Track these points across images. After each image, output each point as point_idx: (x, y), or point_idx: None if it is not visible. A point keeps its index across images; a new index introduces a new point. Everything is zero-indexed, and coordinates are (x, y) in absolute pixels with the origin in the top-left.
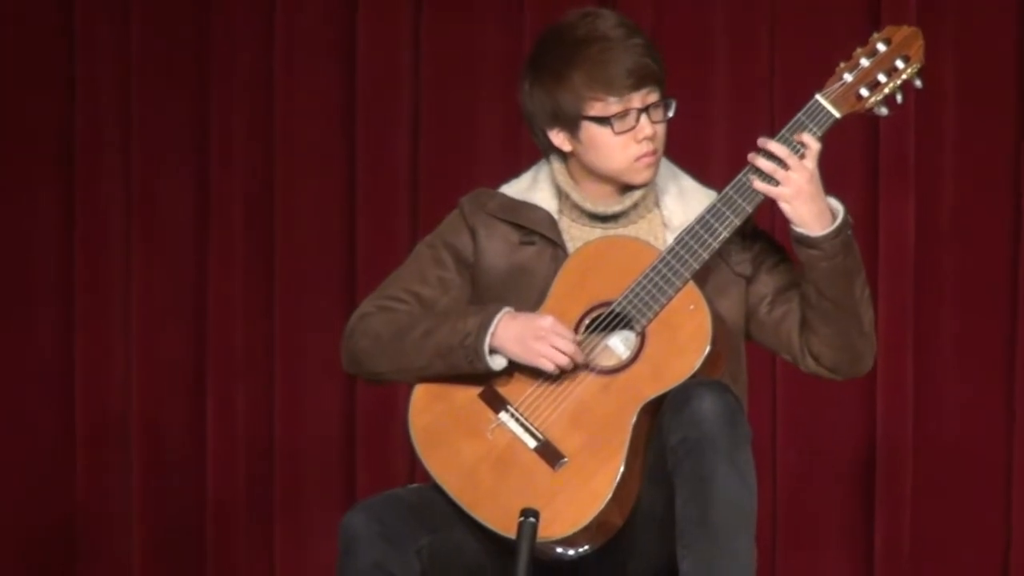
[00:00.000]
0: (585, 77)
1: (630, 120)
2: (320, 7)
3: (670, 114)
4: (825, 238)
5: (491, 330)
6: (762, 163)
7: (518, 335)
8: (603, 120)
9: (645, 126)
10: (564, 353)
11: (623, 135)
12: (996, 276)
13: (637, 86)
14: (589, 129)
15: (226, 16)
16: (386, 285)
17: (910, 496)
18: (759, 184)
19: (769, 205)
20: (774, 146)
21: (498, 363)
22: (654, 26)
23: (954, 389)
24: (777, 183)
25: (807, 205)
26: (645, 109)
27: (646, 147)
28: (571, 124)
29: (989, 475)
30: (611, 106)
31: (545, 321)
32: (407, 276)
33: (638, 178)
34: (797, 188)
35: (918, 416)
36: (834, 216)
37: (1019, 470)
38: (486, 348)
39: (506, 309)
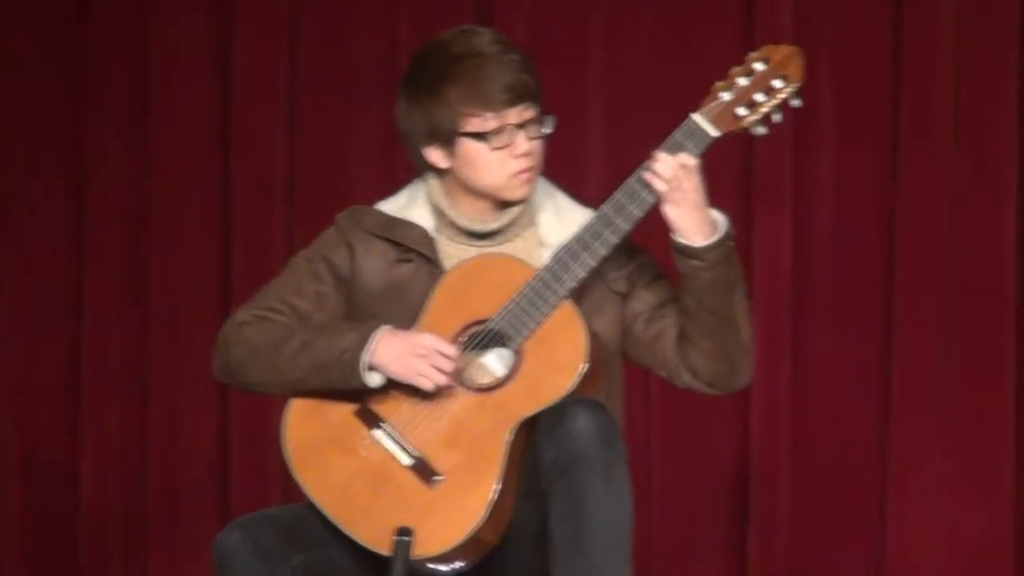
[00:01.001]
0: (461, 93)
1: (506, 136)
2: (196, 19)
3: (547, 130)
4: (708, 248)
5: (369, 347)
6: (658, 167)
7: (397, 353)
8: (479, 136)
9: (522, 142)
10: (444, 372)
11: (500, 151)
12: (870, 292)
13: (513, 102)
14: (465, 145)
15: (101, 28)
16: (262, 295)
17: (785, 511)
18: (653, 180)
19: (644, 225)
20: (663, 158)
21: (375, 380)
22: (531, 43)
23: (829, 404)
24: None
25: (692, 214)
26: (522, 125)
27: (523, 163)
28: (447, 141)
29: (863, 489)
30: (487, 122)
31: (426, 339)
32: (283, 287)
33: (515, 194)
34: (685, 196)
35: (793, 431)
36: (716, 228)
37: (893, 484)
38: (363, 365)
39: (385, 327)
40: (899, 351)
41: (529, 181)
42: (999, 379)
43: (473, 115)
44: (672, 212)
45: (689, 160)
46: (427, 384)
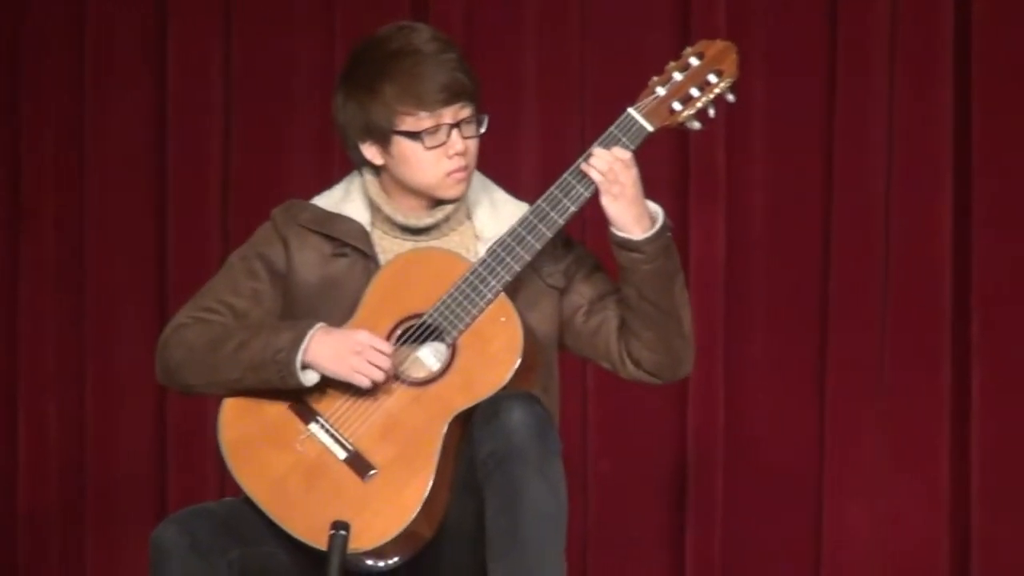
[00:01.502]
0: (397, 91)
1: (441, 135)
2: (130, 17)
3: (482, 130)
4: (647, 241)
5: (304, 346)
6: (594, 161)
7: (333, 351)
8: (414, 135)
9: (456, 142)
10: (380, 368)
11: (434, 150)
12: (805, 286)
13: (449, 101)
14: (400, 143)
15: (37, 27)
16: (200, 296)
17: (721, 504)
18: (589, 173)
19: (581, 219)
20: (598, 152)
21: (310, 379)
22: (466, 37)
23: (764, 398)
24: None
25: (630, 207)
26: (457, 124)
27: (457, 162)
28: (383, 138)
29: (800, 482)
30: (422, 121)
31: (361, 336)
32: (220, 287)
33: (449, 193)
34: (622, 189)
35: (729, 424)
36: (654, 220)
37: (830, 477)
38: (298, 364)
39: (319, 325)
40: (834, 344)
41: (463, 180)
42: (935, 373)
43: (408, 114)
44: (610, 206)
45: (624, 154)
46: (363, 381)
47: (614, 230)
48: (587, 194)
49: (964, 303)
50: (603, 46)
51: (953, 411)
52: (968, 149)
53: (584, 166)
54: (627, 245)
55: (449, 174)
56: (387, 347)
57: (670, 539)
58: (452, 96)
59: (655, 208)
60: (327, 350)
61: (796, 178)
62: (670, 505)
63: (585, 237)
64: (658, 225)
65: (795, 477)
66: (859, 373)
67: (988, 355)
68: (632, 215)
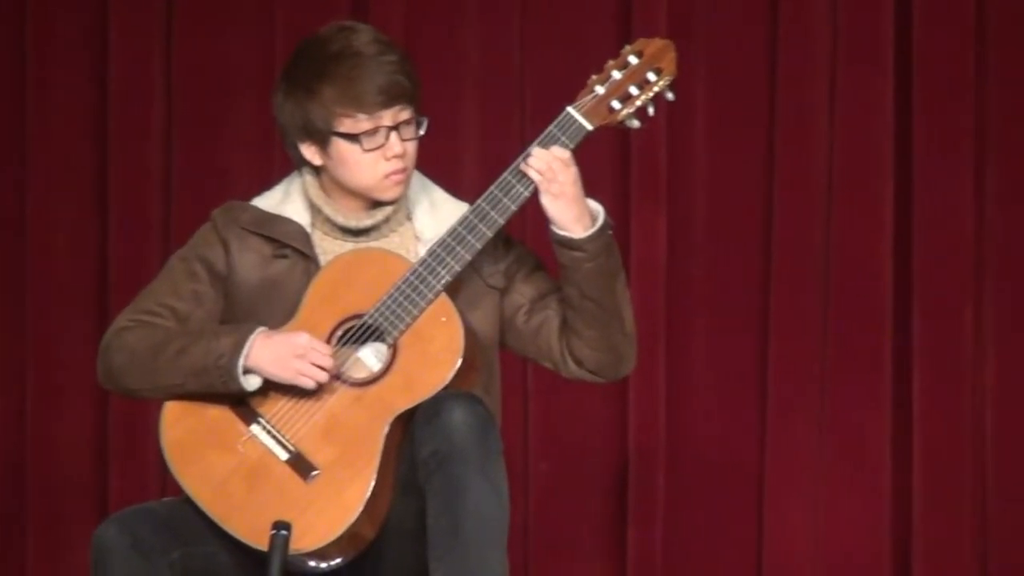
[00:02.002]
0: (336, 93)
1: (380, 138)
2: (71, 14)
3: (421, 132)
4: (588, 239)
5: (245, 351)
6: (533, 161)
7: (274, 355)
8: (352, 137)
9: (395, 144)
10: (322, 369)
11: (372, 152)
12: (747, 286)
13: (388, 104)
14: (339, 145)
15: None
16: (141, 298)
17: (662, 504)
18: (531, 172)
19: (522, 215)
20: (538, 152)
21: (253, 383)
22: (406, 39)
23: (706, 397)
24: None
25: (570, 206)
26: (395, 127)
27: (395, 165)
28: (321, 139)
29: (741, 483)
30: (361, 123)
31: (302, 339)
32: (161, 289)
33: (387, 195)
34: (562, 188)
35: (670, 423)
36: (594, 218)
37: (771, 478)
38: (240, 369)
39: (260, 329)
40: (776, 345)
41: (401, 183)
42: (876, 372)
43: (346, 115)
44: (550, 205)
45: (563, 152)
46: (307, 383)
47: (554, 229)
48: (527, 193)
49: (906, 303)
50: (544, 45)
51: (894, 410)
52: (909, 150)
53: (523, 165)
54: (568, 244)
55: (387, 176)
56: (328, 349)
57: (612, 538)
58: (391, 99)
59: (596, 206)
60: (268, 354)
61: (737, 178)
62: (611, 504)
63: (526, 236)
64: (599, 223)
65: (736, 476)
66: (800, 373)
67: (929, 355)
68: (572, 214)
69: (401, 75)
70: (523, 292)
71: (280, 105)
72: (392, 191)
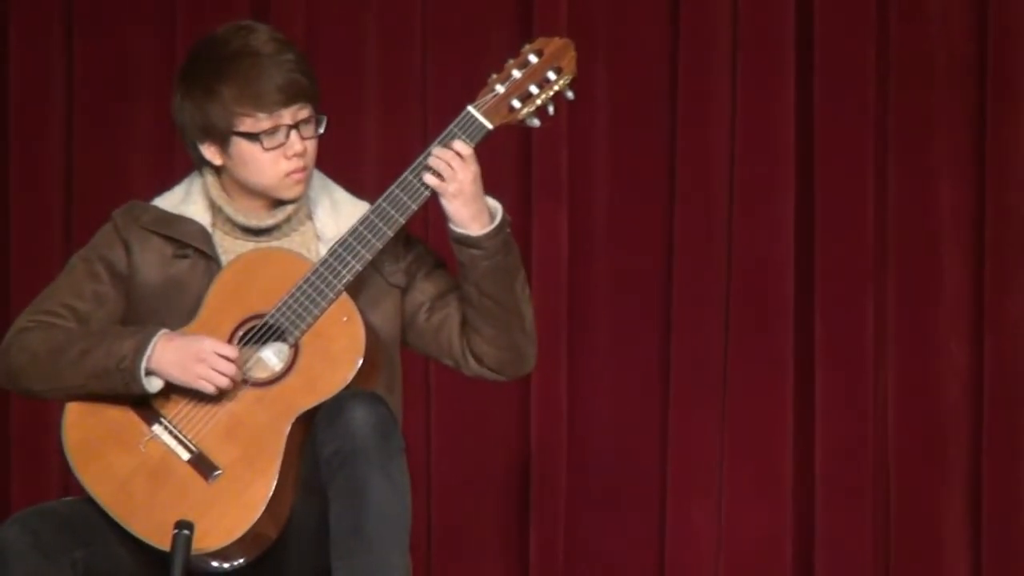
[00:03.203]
0: (235, 92)
1: (280, 136)
2: None
3: (321, 130)
4: (486, 237)
5: (147, 353)
6: (433, 160)
7: (177, 359)
8: (252, 136)
9: (295, 142)
10: (225, 375)
11: (273, 151)
12: (649, 284)
13: (287, 102)
14: (239, 144)
15: None
16: (42, 299)
17: (564, 503)
18: (429, 178)
19: (423, 212)
20: (438, 151)
21: (155, 385)
22: (307, 37)
23: (608, 396)
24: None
25: (469, 204)
26: (295, 125)
27: (296, 163)
28: (221, 139)
29: (643, 481)
30: (261, 122)
31: (205, 343)
32: (62, 290)
33: (288, 193)
34: (461, 187)
35: (572, 423)
36: (493, 216)
37: (673, 476)
38: (142, 372)
39: (162, 331)
40: (678, 343)
41: (302, 181)
42: (778, 371)
43: (246, 115)
44: (449, 203)
45: (465, 149)
46: (208, 388)
47: (453, 227)
48: (427, 192)
49: (807, 301)
50: (445, 43)
51: (796, 408)
52: (811, 149)
53: (424, 164)
54: (466, 242)
55: (288, 175)
56: (232, 353)
57: (514, 538)
58: (290, 97)
59: (494, 204)
60: (171, 357)
61: (639, 176)
62: (514, 504)
63: (427, 235)
64: (497, 221)
65: (639, 476)
66: (702, 371)
67: (831, 352)
68: (471, 212)
69: (299, 73)
70: (424, 290)
71: (179, 106)
72: (293, 189)
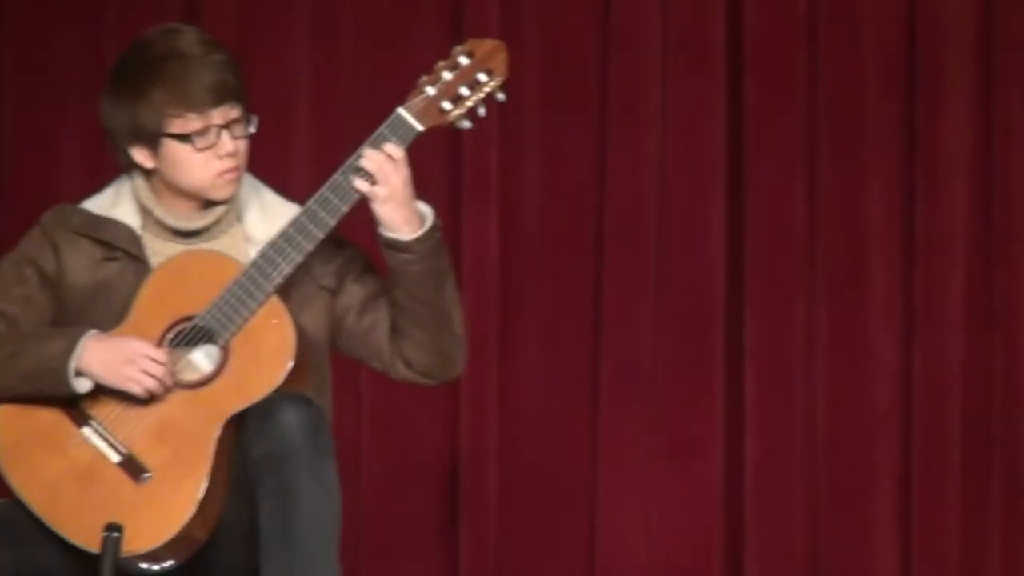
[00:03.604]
0: (165, 94)
1: (211, 137)
2: None
3: (252, 130)
4: (416, 241)
5: (76, 354)
6: (364, 163)
7: (106, 360)
8: (184, 137)
9: (226, 142)
10: (154, 376)
11: (204, 152)
12: (579, 286)
13: (217, 102)
14: (170, 146)
15: None
16: None
17: (495, 505)
18: (360, 184)
19: (353, 215)
20: (369, 153)
21: (84, 386)
22: (238, 39)
23: (538, 398)
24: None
25: (400, 209)
26: (226, 125)
27: (228, 163)
28: (152, 141)
29: (574, 483)
30: (191, 123)
31: (134, 344)
32: None
33: (220, 194)
34: (392, 190)
35: (502, 425)
36: (423, 220)
37: (604, 478)
38: (71, 372)
39: (91, 332)
40: (608, 345)
41: (234, 181)
42: (708, 373)
43: (177, 116)
44: (380, 207)
45: (396, 152)
46: (137, 390)
47: (383, 231)
48: (357, 195)
49: (737, 303)
50: (376, 44)
51: (726, 410)
52: (741, 151)
53: (355, 167)
54: (396, 246)
55: (220, 175)
56: (161, 355)
57: (444, 540)
58: (220, 97)
59: (424, 208)
60: (100, 357)
61: (569, 178)
62: (444, 506)
63: (358, 238)
64: (427, 225)
65: (569, 477)
66: (633, 374)
67: (761, 355)
68: (402, 216)
69: (228, 73)
70: (353, 293)
71: (108, 110)
72: (225, 189)
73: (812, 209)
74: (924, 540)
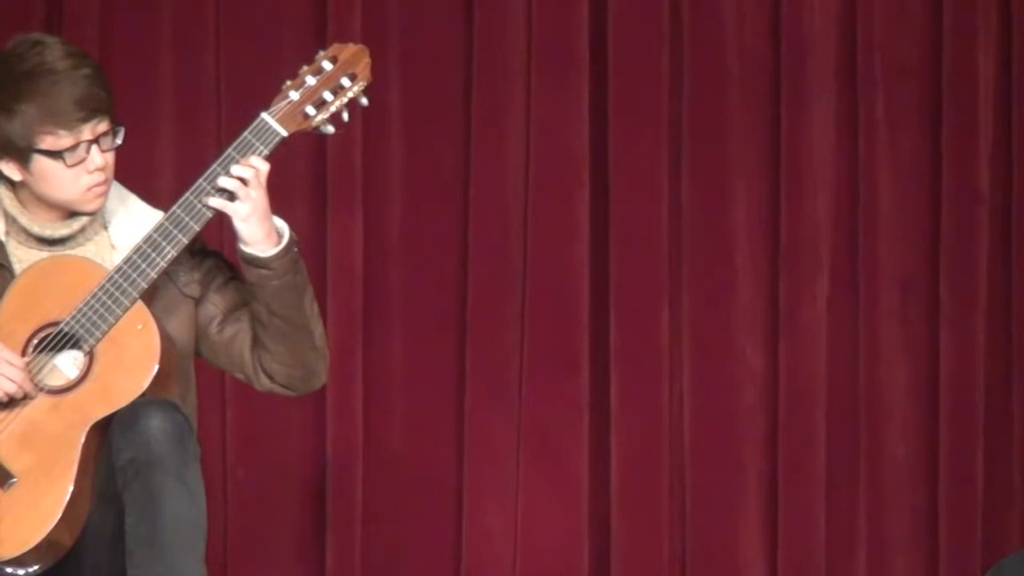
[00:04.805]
0: (35, 111)
1: (81, 152)
2: None
3: (119, 141)
4: (275, 257)
5: None
6: (224, 181)
7: None
8: (55, 154)
9: (96, 157)
10: (12, 381)
11: (75, 167)
12: (444, 290)
13: (87, 118)
14: (40, 162)
15: None
16: None
17: (361, 510)
18: (215, 201)
19: (218, 224)
20: (235, 169)
21: None
22: (100, 45)
23: (404, 402)
24: (233, 201)
25: (261, 223)
26: (96, 140)
27: (97, 177)
28: (22, 156)
29: (440, 489)
30: (62, 140)
31: None
32: None
33: (89, 207)
34: (254, 206)
35: (368, 430)
36: (280, 235)
37: (470, 483)
38: None
39: None
40: (473, 351)
41: (103, 194)
42: (574, 375)
43: (48, 133)
44: (243, 224)
45: (262, 167)
46: None
47: (243, 247)
48: (221, 198)
49: (603, 307)
50: (240, 49)
51: (592, 414)
52: (605, 153)
53: (220, 174)
54: (255, 262)
55: (90, 188)
56: (17, 360)
57: (311, 546)
58: (90, 113)
59: (281, 223)
60: None
61: (434, 182)
62: (310, 512)
63: (224, 246)
64: (285, 240)
65: (435, 482)
66: (498, 378)
67: (626, 358)
68: (264, 231)
69: (97, 87)
70: (216, 303)
71: None
72: (94, 203)
73: (676, 212)
74: (790, 540)
